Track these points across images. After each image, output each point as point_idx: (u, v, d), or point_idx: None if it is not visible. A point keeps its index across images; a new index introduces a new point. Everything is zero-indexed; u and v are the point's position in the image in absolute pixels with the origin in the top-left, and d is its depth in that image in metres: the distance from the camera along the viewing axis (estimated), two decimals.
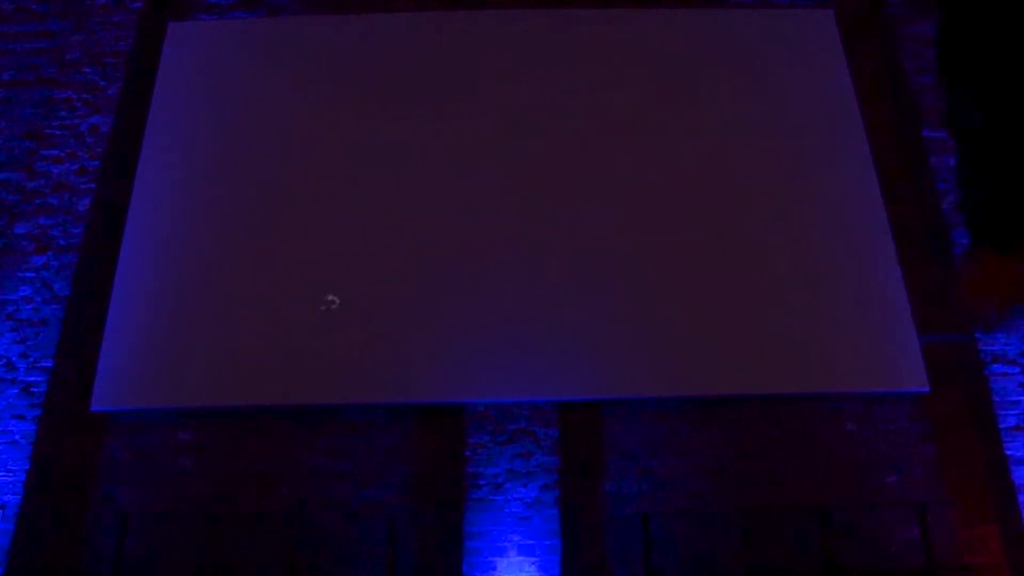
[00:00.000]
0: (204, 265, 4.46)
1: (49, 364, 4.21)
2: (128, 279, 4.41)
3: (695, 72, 4.88)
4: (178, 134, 4.80)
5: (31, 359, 4.22)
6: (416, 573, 3.96)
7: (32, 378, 4.18)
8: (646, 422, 4.25)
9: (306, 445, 4.22)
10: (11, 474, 3.97)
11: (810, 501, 4.00)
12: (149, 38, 5.12)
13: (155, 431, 4.26)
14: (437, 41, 5.03)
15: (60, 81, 4.96)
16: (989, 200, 1.10)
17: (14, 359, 4.22)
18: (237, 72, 5.00)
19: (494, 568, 3.85)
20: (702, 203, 4.52)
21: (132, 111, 4.92)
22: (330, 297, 4.33)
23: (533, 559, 3.87)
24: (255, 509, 4.07)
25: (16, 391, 4.15)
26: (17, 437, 4.05)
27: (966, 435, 4.18)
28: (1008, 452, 3.96)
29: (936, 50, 1.16)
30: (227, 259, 4.47)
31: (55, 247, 4.47)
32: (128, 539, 3.89)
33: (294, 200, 4.60)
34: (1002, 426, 4.02)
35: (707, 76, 4.86)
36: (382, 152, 4.70)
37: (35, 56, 5.17)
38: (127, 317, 4.32)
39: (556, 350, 4.17)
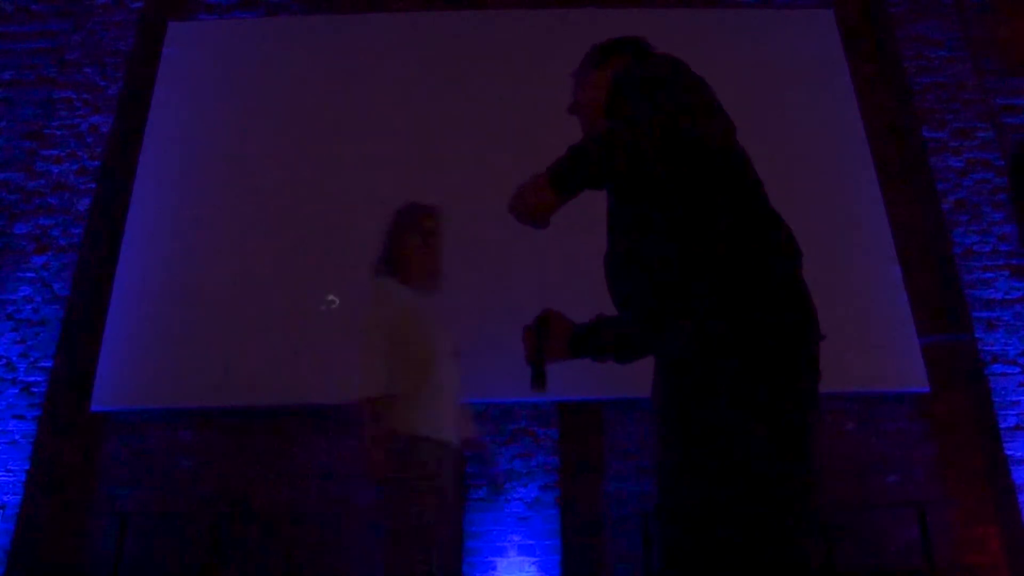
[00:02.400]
0: (204, 265, 4.46)
1: (49, 364, 4.21)
2: (128, 279, 4.41)
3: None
4: (178, 134, 4.80)
5: (31, 359, 4.22)
6: None
7: (32, 378, 4.18)
8: (646, 422, 4.25)
9: (306, 445, 4.22)
10: (11, 474, 3.97)
11: None
12: (149, 38, 5.12)
13: (155, 431, 4.26)
14: (437, 41, 5.03)
15: (60, 81, 4.96)
16: None
17: (14, 359, 4.22)
18: (237, 72, 5.00)
19: (494, 568, 3.85)
20: None
21: (132, 111, 4.92)
22: (330, 297, 4.33)
23: (533, 559, 3.87)
24: (255, 509, 4.07)
25: (16, 391, 4.15)
26: (17, 437, 4.05)
27: (966, 435, 4.18)
28: (1008, 452, 3.96)
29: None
30: (227, 259, 4.47)
31: (55, 247, 4.47)
32: (128, 539, 3.89)
33: (294, 200, 4.60)
34: (1002, 426, 4.01)
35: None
36: (382, 152, 4.69)
37: (35, 56, 5.16)
38: (127, 317, 4.32)
39: None
